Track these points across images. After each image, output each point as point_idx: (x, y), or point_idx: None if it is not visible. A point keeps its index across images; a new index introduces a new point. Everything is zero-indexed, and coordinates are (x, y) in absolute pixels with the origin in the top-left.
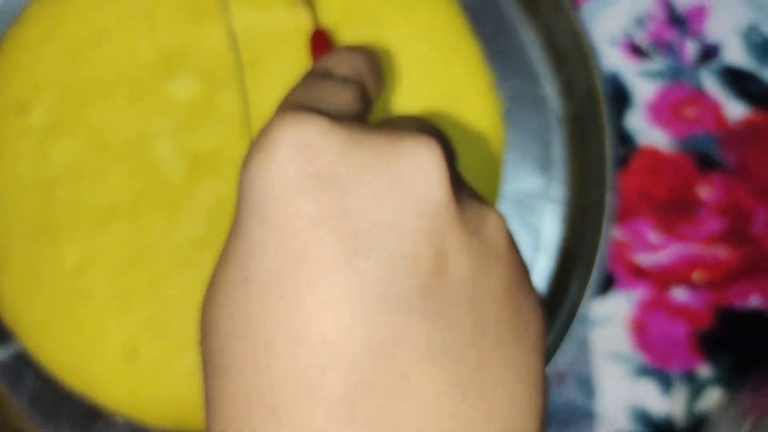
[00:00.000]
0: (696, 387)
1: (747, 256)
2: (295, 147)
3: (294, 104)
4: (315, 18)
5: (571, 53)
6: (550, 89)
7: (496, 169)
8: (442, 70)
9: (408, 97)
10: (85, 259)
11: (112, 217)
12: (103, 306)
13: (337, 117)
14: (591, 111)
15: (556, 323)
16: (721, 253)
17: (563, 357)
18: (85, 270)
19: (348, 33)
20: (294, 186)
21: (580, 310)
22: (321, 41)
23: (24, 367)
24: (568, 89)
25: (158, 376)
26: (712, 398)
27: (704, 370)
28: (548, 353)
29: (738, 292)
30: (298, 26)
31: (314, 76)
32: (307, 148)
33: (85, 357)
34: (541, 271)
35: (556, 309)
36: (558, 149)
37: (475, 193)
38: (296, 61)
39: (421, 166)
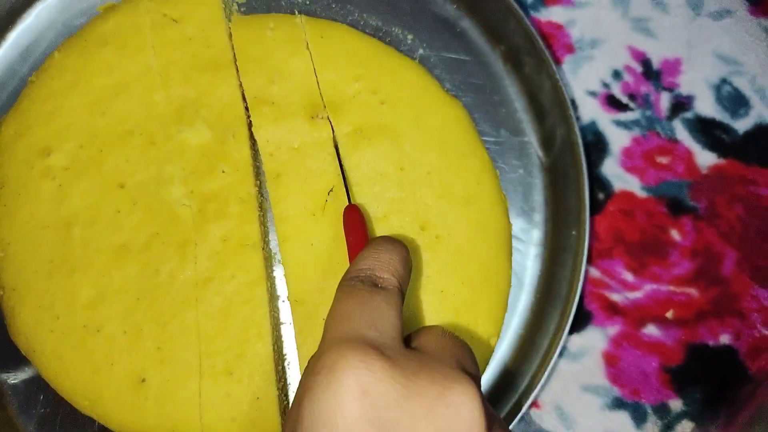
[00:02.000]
0: (668, 420)
1: (717, 296)
2: (358, 392)
3: (351, 335)
4: (348, 195)
5: (552, 107)
6: (533, 139)
7: (506, 261)
8: (453, 178)
9: (422, 204)
10: (98, 295)
11: (125, 255)
12: (113, 337)
13: (390, 345)
14: (570, 160)
15: (535, 356)
16: (692, 292)
17: (543, 389)
18: (98, 304)
19: (366, 144)
20: (356, 429)
21: (559, 344)
22: (353, 216)
23: (35, 392)
24: (549, 140)
25: (163, 402)
26: (684, 430)
27: (676, 404)
28: (529, 385)
29: (708, 330)
30: (319, 139)
31: (361, 287)
32: (368, 395)
33: (95, 383)
34: (523, 308)
35: (536, 343)
36: (539, 195)
37: (502, 423)
38: (317, 173)
39: (464, 416)
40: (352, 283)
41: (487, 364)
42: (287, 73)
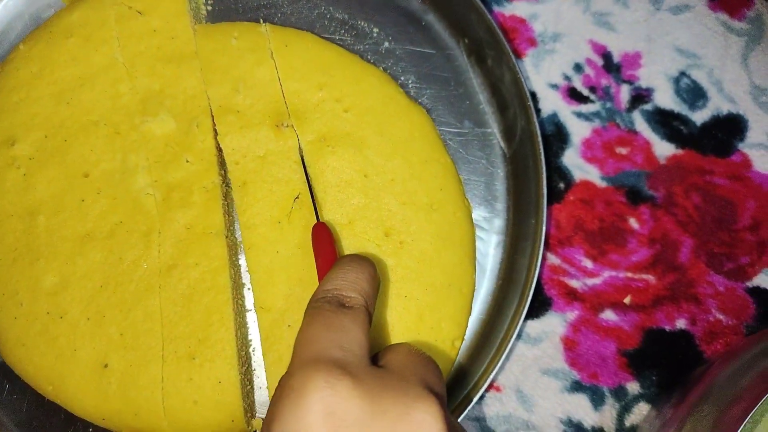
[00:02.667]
0: (625, 402)
1: (673, 282)
2: (323, 414)
3: (317, 356)
4: (316, 212)
5: (512, 99)
6: (495, 131)
7: (470, 266)
8: (416, 185)
9: (386, 211)
10: (61, 282)
11: (89, 243)
12: (76, 324)
13: (356, 364)
14: (529, 150)
15: (495, 340)
16: (650, 279)
17: (503, 372)
18: (61, 291)
19: (330, 152)
20: None
21: (518, 329)
22: (322, 234)
23: (0, 379)
24: (510, 131)
25: (126, 387)
26: (641, 412)
27: (633, 387)
28: (487, 367)
29: (665, 315)
30: (284, 147)
31: (327, 307)
32: (334, 416)
33: (58, 369)
34: (485, 294)
35: (496, 327)
36: (501, 185)
37: None
38: (283, 181)
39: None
40: (319, 305)
41: (451, 366)
42: (252, 82)
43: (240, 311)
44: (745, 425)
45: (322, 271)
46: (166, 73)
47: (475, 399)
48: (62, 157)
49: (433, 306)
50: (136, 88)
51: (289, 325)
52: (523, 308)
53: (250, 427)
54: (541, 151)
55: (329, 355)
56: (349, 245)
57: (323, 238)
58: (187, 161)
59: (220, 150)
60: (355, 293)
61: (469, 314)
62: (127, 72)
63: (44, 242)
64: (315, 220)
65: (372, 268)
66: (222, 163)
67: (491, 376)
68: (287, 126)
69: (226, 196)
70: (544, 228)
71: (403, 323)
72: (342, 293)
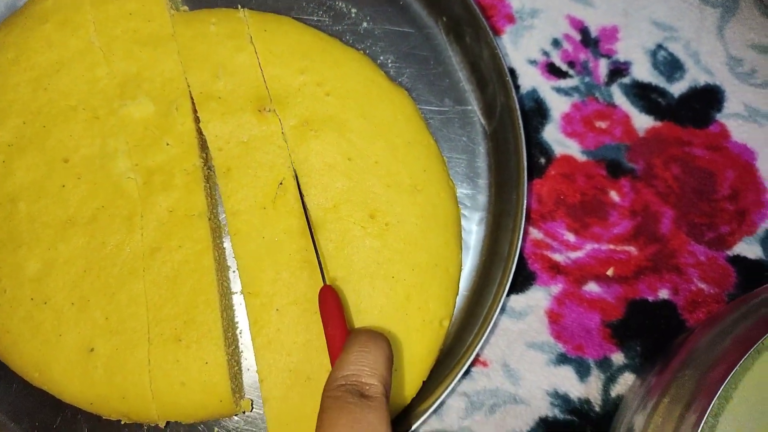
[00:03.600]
0: (610, 373)
1: (655, 253)
2: None
3: None
4: (323, 274)
5: (491, 75)
6: (476, 108)
7: (456, 246)
8: (400, 167)
9: (370, 194)
10: (44, 268)
11: (71, 228)
12: (60, 309)
13: None
14: (509, 126)
15: (480, 316)
16: (632, 250)
17: (489, 347)
18: (45, 277)
19: (313, 136)
20: None
21: (500, 302)
22: (330, 301)
23: None
24: (490, 108)
25: (113, 371)
26: (626, 382)
27: (618, 357)
28: (472, 341)
29: (647, 286)
30: (267, 133)
31: (350, 400)
32: None
33: (44, 355)
34: (470, 270)
35: (481, 303)
36: (483, 162)
37: None
38: (267, 166)
39: None
40: (339, 394)
41: (440, 345)
42: (232, 69)
43: (226, 294)
44: (724, 388)
45: (332, 341)
46: (143, 56)
47: (461, 373)
48: (41, 143)
49: (420, 286)
50: (114, 72)
51: (277, 309)
52: (506, 282)
53: (238, 407)
54: (521, 126)
55: None
56: (334, 228)
57: (331, 305)
58: (168, 144)
59: (200, 132)
60: (374, 380)
61: (457, 294)
62: (104, 56)
63: (26, 229)
64: (300, 207)
65: (388, 347)
66: (203, 146)
67: (476, 350)
68: (269, 111)
69: (209, 179)
70: (525, 203)
71: (391, 304)
72: (362, 380)
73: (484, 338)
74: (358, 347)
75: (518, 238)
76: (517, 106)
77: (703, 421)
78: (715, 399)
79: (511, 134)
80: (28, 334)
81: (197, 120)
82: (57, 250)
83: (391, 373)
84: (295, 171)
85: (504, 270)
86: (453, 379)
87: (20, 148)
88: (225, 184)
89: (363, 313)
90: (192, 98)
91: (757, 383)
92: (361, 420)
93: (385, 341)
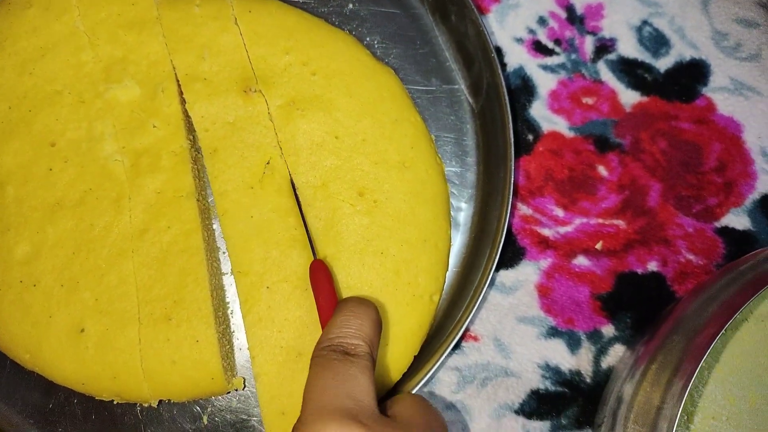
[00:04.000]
0: (601, 345)
1: (644, 226)
2: None
3: (328, 407)
4: (313, 249)
5: (477, 53)
6: (463, 87)
7: (445, 221)
8: (387, 144)
9: (359, 171)
10: (33, 251)
11: (59, 211)
12: (50, 291)
13: (368, 414)
14: (496, 104)
15: (470, 290)
16: (620, 224)
17: (480, 322)
18: (33, 260)
19: (300, 116)
20: None
21: (489, 276)
22: (320, 274)
23: None
24: (477, 86)
25: (104, 351)
26: (617, 354)
27: (608, 330)
28: (461, 316)
29: (636, 259)
30: (253, 113)
31: (333, 356)
32: None
33: (34, 337)
34: (459, 247)
35: (471, 279)
36: (471, 140)
37: None
38: (254, 146)
39: None
40: (325, 353)
41: (431, 320)
42: (217, 50)
43: (216, 274)
44: (710, 352)
45: (323, 311)
46: (128, 39)
47: (450, 347)
48: (28, 128)
49: (409, 261)
50: (99, 55)
51: (267, 287)
52: (495, 257)
53: (230, 385)
54: (507, 103)
55: (340, 405)
56: (323, 206)
57: (322, 278)
58: (154, 126)
59: (186, 114)
60: (359, 340)
61: (446, 269)
62: (89, 40)
63: (13, 212)
64: (288, 185)
65: (374, 312)
66: (190, 128)
67: (466, 324)
68: (255, 91)
69: (197, 161)
70: (512, 179)
71: (380, 279)
72: (347, 341)
73: (473, 312)
74: (344, 312)
75: (506, 214)
76: (503, 84)
77: (690, 385)
78: (701, 363)
79: (498, 112)
80: (18, 317)
81: (183, 102)
82: (45, 233)
83: (378, 337)
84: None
85: (493, 245)
86: (443, 353)
87: (6, 133)
88: (212, 165)
89: (353, 289)
90: (178, 80)
91: (743, 347)
92: (341, 372)
93: (371, 307)
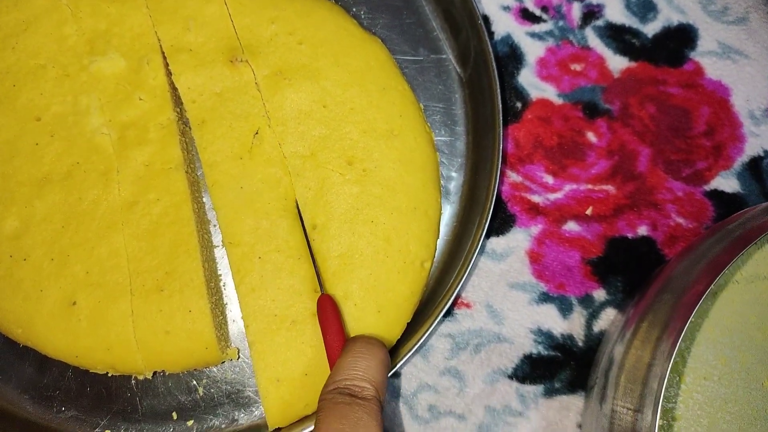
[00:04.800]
0: (593, 309)
1: (633, 191)
2: None
3: None
4: (320, 282)
5: (464, 20)
6: (450, 56)
7: (434, 189)
8: (375, 113)
9: (347, 140)
10: (22, 225)
11: (46, 185)
12: (40, 265)
13: None
14: (484, 72)
15: (460, 257)
16: (610, 189)
17: (472, 289)
18: (23, 234)
19: (287, 85)
20: None
21: (479, 242)
22: (328, 309)
23: None
24: (464, 55)
25: (96, 323)
26: (608, 317)
27: (599, 294)
28: (452, 283)
29: (626, 223)
30: (240, 83)
31: (340, 399)
32: None
33: (26, 311)
34: (450, 216)
35: (462, 246)
36: (459, 109)
37: None
38: (242, 116)
39: None
40: (332, 396)
41: (422, 287)
42: (202, 20)
43: (207, 246)
44: (698, 309)
45: (331, 349)
46: (111, 11)
47: (442, 313)
48: (12, 103)
49: (399, 229)
50: (82, 28)
51: (259, 257)
52: (485, 223)
53: (225, 355)
54: (495, 71)
55: None
56: (313, 176)
57: (330, 314)
58: (140, 99)
59: (173, 86)
60: (366, 383)
61: (437, 236)
62: (72, 13)
63: (1, 188)
64: (280, 155)
65: (382, 352)
66: (177, 100)
67: (457, 290)
68: (242, 62)
69: (184, 134)
70: (501, 146)
71: (371, 248)
72: (354, 383)
73: (464, 278)
74: (353, 354)
75: (495, 181)
76: (491, 52)
77: (678, 342)
78: (690, 320)
79: (486, 80)
80: (9, 291)
81: (169, 74)
82: (34, 208)
83: (386, 378)
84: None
85: (482, 212)
86: (435, 319)
87: None
88: (200, 136)
89: (344, 257)
90: (163, 52)
91: (732, 307)
92: (349, 415)
93: (379, 347)
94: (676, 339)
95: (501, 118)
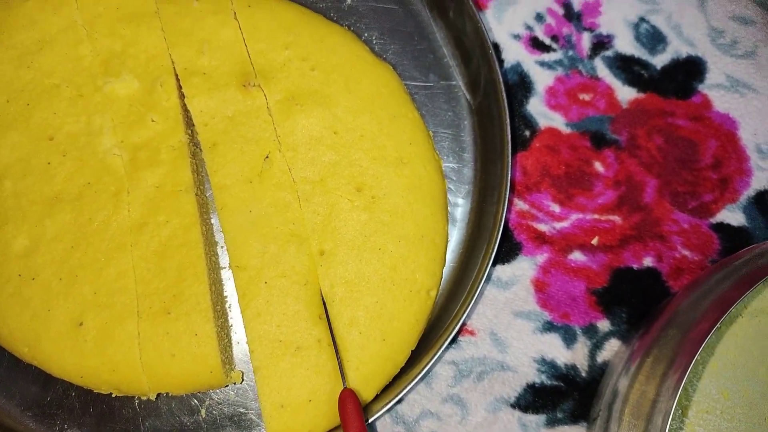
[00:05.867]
0: (596, 339)
1: (639, 222)
2: None
3: None
4: (342, 376)
5: (475, 49)
6: (460, 83)
7: (442, 217)
8: (385, 140)
9: (357, 167)
10: (31, 244)
11: (57, 205)
12: (48, 284)
13: None
14: (494, 100)
15: (466, 285)
16: (616, 220)
17: (477, 316)
18: (32, 253)
19: (299, 111)
20: None
21: (486, 271)
22: (350, 405)
23: None
24: (474, 82)
25: (103, 344)
26: (612, 348)
27: (603, 324)
28: (458, 311)
29: (632, 254)
30: (252, 107)
31: None
32: None
33: (33, 330)
34: (456, 243)
35: (468, 274)
36: (468, 136)
37: None
38: (253, 140)
39: None
40: None
41: (428, 315)
42: (216, 44)
43: (214, 268)
44: (705, 346)
45: None
46: (126, 33)
47: (447, 341)
48: (26, 121)
49: (406, 257)
50: (97, 49)
51: (266, 282)
52: (492, 252)
53: (229, 379)
54: (505, 99)
55: None
56: (322, 202)
57: (352, 409)
58: (153, 121)
59: (185, 108)
60: None
61: (443, 264)
62: (87, 34)
63: (12, 206)
64: (289, 180)
65: None
66: (188, 122)
67: (462, 319)
68: (254, 86)
69: (195, 155)
70: (509, 175)
71: (378, 275)
72: None
73: (470, 307)
74: None
75: (503, 209)
76: (501, 81)
77: (684, 379)
78: (696, 356)
79: (496, 108)
80: (17, 310)
81: (182, 96)
82: (44, 227)
83: None
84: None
85: (489, 240)
86: (440, 347)
87: (4, 126)
88: (211, 159)
89: (350, 284)
90: (176, 74)
91: (737, 342)
92: None
93: None
94: (682, 375)
95: (510, 147)
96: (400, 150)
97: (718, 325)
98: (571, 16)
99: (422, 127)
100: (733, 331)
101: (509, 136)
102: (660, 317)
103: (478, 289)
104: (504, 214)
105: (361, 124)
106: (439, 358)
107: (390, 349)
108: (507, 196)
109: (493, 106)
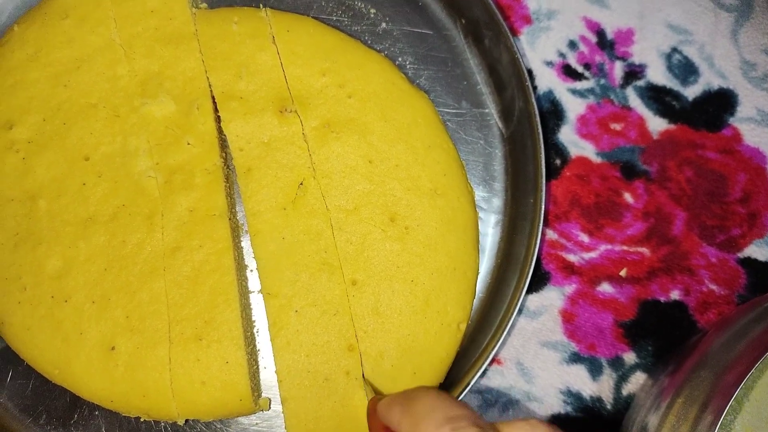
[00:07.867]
0: (622, 372)
1: (667, 255)
2: None
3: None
4: (372, 389)
5: (510, 79)
6: (493, 111)
7: (474, 249)
8: (420, 170)
9: (391, 197)
10: (65, 266)
11: (91, 226)
12: (81, 307)
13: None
14: (527, 130)
15: (495, 316)
16: (645, 252)
17: (504, 346)
18: (65, 275)
19: (335, 138)
20: None
21: (518, 304)
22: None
23: (5, 364)
24: (508, 111)
25: (134, 369)
26: (638, 381)
27: (630, 357)
28: (489, 342)
29: (659, 287)
30: (288, 133)
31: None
32: None
33: (64, 353)
34: (485, 273)
35: (496, 305)
36: (499, 165)
37: None
38: (287, 166)
39: None
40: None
41: (457, 348)
42: (254, 68)
43: (244, 293)
44: (740, 390)
45: None
46: (165, 54)
47: (478, 374)
48: (61, 141)
49: (439, 290)
50: (135, 69)
51: (296, 311)
52: (524, 285)
53: (257, 406)
54: (540, 131)
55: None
56: (355, 231)
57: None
58: (189, 144)
59: (221, 132)
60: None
61: (474, 297)
62: (125, 53)
63: (46, 226)
64: (323, 207)
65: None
66: (223, 146)
67: (494, 352)
68: (291, 112)
69: (228, 179)
70: (543, 207)
71: (410, 307)
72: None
73: (501, 340)
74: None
75: (536, 242)
76: (537, 113)
77: (720, 422)
78: (731, 400)
79: (530, 138)
80: (49, 332)
81: (218, 119)
82: (77, 248)
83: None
84: (315, 172)
85: (521, 272)
86: (470, 381)
87: (40, 146)
88: (245, 185)
89: (382, 315)
90: (213, 98)
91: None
92: None
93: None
94: (717, 418)
95: (544, 179)
96: (435, 181)
97: (752, 370)
98: (604, 44)
99: (456, 157)
100: (766, 374)
101: (543, 169)
102: (690, 356)
103: (510, 322)
104: (537, 246)
105: (396, 154)
106: (468, 389)
107: (420, 383)
108: (541, 228)
109: (526, 137)
